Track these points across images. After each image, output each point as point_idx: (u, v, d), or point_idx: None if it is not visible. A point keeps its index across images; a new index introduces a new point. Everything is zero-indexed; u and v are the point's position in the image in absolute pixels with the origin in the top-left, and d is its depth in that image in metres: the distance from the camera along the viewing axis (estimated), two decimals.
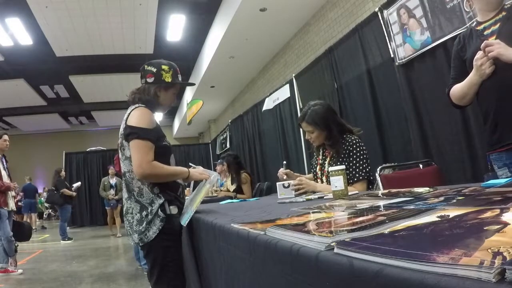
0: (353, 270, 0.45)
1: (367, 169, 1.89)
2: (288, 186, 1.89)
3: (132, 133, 1.64)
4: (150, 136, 1.65)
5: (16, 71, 10.25)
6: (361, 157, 1.90)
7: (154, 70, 1.79)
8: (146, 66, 1.82)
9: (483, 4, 1.63)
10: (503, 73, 1.48)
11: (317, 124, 1.95)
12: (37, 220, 12.10)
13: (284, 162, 2.18)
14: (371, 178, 1.96)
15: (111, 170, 7.78)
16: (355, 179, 1.86)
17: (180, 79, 1.87)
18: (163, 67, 1.80)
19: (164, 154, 1.75)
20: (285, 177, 2.02)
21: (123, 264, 4.81)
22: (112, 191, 7.80)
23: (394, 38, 3.41)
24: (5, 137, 4.31)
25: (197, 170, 1.79)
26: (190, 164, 1.87)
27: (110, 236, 8.15)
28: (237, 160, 4.66)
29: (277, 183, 1.95)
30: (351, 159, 1.90)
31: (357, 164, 1.89)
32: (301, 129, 5.18)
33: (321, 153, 2.11)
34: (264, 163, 7.22)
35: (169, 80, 1.80)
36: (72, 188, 7.80)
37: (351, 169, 1.88)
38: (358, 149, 1.91)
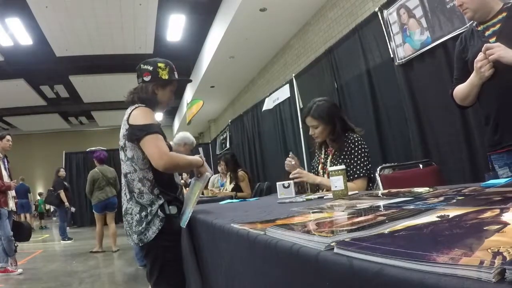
0: (353, 270, 0.45)
1: (368, 167, 1.93)
2: (288, 186, 1.90)
3: (140, 130, 1.64)
4: (158, 129, 1.66)
5: (16, 71, 10.26)
6: (363, 154, 1.93)
7: (151, 68, 1.79)
8: (142, 65, 1.82)
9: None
10: (504, 75, 1.48)
11: (322, 118, 1.97)
12: (34, 220, 12.07)
13: (290, 151, 2.24)
14: (372, 176, 2.00)
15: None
16: (356, 176, 1.90)
17: (176, 76, 1.88)
18: (159, 64, 1.80)
19: None
20: (293, 162, 2.05)
21: (123, 264, 4.81)
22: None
23: (394, 38, 3.41)
24: (8, 137, 4.33)
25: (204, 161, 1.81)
26: (200, 152, 1.88)
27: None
28: (234, 158, 4.70)
29: (277, 183, 1.96)
30: (352, 156, 1.93)
31: (358, 161, 1.92)
32: (301, 129, 5.24)
33: (323, 152, 2.13)
34: (264, 163, 7.21)
35: (166, 77, 1.81)
36: (70, 207, 7.64)
37: (352, 166, 1.92)
38: (359, 146, 1.94)
